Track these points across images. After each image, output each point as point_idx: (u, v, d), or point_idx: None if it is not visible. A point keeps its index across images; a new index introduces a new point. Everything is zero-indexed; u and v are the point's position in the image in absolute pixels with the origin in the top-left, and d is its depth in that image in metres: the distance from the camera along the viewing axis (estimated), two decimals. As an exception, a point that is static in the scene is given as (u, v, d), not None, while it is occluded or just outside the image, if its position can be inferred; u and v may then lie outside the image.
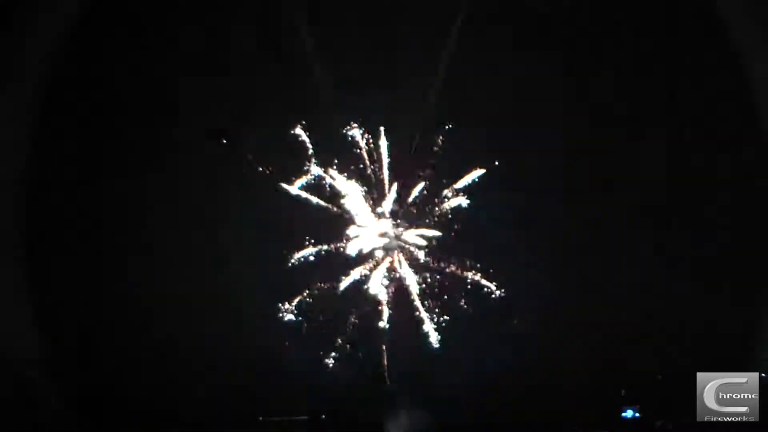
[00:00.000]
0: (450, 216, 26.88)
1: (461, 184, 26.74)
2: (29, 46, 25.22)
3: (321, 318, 26.60)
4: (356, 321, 26.59)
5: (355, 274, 26.71)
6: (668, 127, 26.41)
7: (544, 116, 26.35)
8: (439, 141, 26.69)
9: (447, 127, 26.67)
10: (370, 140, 26.80)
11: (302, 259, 26.53)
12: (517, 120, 26.20)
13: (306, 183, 26.67)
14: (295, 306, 26.45)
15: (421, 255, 26.95)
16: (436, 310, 26.61)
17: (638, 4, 25.98)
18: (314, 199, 26.70)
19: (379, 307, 26.70)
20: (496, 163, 26.55)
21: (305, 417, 26.00)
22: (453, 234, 26.83)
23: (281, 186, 26.59)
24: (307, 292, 26.59)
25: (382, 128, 26.67)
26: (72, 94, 25.89)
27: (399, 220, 26.98)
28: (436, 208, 26.92)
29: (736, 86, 25.37)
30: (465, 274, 26.70)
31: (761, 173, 25.38)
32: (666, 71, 26.40)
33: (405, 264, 26.95)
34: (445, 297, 26.70)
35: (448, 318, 26.53)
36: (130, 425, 24.77)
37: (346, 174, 26.81)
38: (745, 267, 25.33)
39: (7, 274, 24.88)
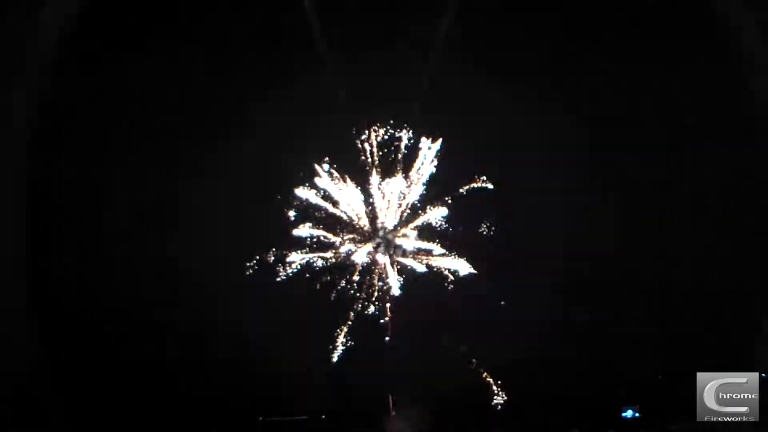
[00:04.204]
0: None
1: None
2: (29, 46, 25.22)
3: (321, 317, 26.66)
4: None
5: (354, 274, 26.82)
6: (667, 131, 26.55)
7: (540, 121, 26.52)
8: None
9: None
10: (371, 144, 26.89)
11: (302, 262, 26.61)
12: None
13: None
14: (295, 305, 26.49)
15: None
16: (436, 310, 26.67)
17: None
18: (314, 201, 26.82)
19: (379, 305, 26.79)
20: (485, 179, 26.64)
21: (305, 417, 26.02)
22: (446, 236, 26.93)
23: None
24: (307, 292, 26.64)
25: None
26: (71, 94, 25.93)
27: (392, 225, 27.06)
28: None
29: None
30: (464, 273, 26.76)
31: (761, 174, 25.43)
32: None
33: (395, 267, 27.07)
34: (444, 297, 26.72)
35: (447, 318, 26.55)
36: (129, 425, 24.79)
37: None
38: (745, 266, 25.39)
39: (7, 276, 24.86)
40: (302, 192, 26.75)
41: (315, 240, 26.85)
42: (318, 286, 26.63)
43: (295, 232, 26.70)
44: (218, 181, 26.29)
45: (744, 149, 25.48)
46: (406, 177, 26.96)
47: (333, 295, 26.59)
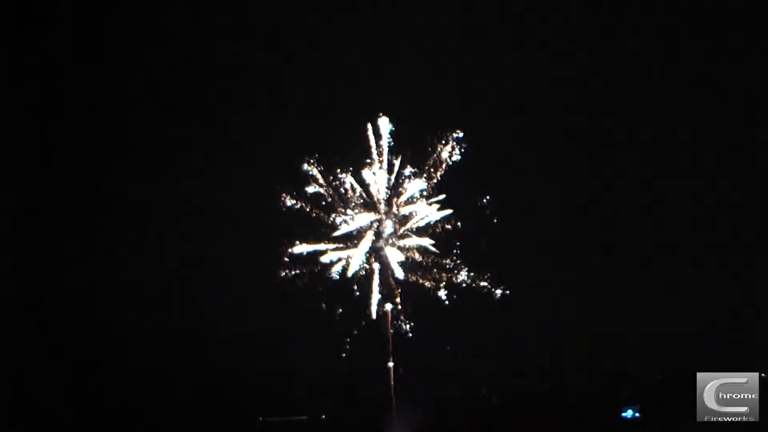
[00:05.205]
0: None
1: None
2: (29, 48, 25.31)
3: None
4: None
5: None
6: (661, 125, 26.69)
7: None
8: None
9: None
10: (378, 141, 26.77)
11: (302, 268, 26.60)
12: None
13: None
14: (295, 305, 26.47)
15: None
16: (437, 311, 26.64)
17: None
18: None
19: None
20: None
21: (305, 417, 26.03)
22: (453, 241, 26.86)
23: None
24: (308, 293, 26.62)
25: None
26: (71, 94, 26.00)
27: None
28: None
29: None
30: (466, 276, 26.69)
31: (761, 174, 25.48)
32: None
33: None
34: (446, 298, 26.69)
35: (448, 319, 26.53)
36: (130, 425, 24.81)
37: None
38: (745, 266, 25.41)
39: (7, 273, 24.90)
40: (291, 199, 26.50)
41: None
42: (324, 306, 26.41)
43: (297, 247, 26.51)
44: (217, 182, 26.34)
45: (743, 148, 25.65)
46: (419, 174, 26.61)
47: (339, 311, 26.37)
